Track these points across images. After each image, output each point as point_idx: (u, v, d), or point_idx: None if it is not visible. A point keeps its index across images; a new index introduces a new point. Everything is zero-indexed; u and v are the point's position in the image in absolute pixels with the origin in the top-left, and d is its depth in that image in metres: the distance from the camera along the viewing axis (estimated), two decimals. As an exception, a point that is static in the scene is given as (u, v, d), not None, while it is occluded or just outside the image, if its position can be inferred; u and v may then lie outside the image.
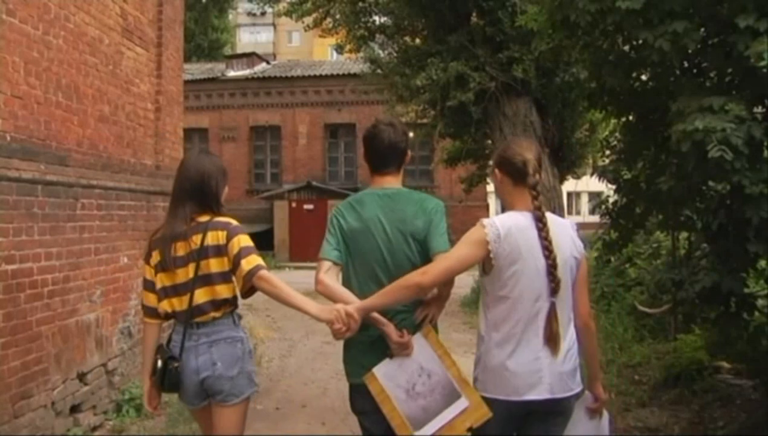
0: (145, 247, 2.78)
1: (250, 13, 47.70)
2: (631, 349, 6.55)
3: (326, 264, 2.47)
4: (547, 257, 2.24)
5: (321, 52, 41.94)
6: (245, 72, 23.69)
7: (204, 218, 2.63)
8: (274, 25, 49.08)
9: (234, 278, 2.60)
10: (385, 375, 2.38)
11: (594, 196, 25.85)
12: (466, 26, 11.01)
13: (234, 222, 2.64)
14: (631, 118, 5.17)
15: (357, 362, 2.49)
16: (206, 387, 2.62)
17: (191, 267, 2.57)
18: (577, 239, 2.41)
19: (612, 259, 7.64)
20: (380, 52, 12.85)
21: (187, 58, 17.23)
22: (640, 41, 4.15)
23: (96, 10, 5.01)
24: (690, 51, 3.98)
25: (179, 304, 2.61)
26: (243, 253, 2.53)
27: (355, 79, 18.11)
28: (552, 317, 2.24)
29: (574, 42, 4.92)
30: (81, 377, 4.58)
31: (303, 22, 13.35)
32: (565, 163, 12.92)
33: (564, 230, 2.38)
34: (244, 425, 2.72)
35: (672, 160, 4.26)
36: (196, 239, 2.57)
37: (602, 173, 5.38)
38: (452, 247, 2.37)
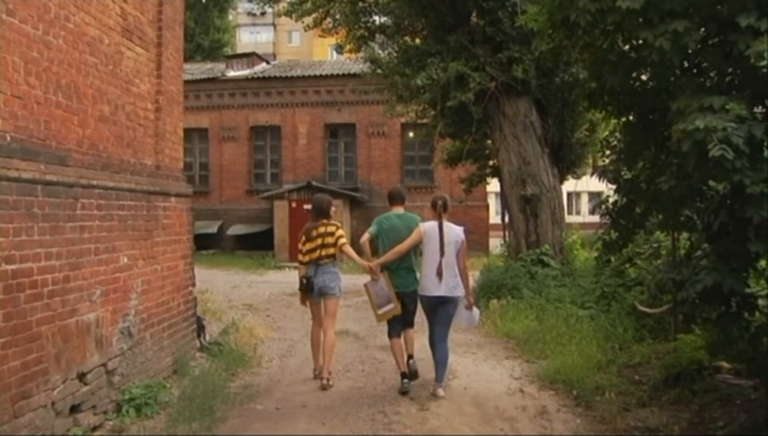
0: (300, 235, 6.21)
1: (250, 13, 47.71)
2: (631, 349, 6.54)
3: (366, 235, 5.90)
4: (440, 241, 5.53)
5: (321, 52, 41.95)
6: (245, 72, 23.66)
7: (324, 221, 6.07)
8: (274, 25, 49.10)
9: (335, 246, 6.03)
10: (370, 285, 5.82)
11: (594, 196, 25.83)
12: (466, 26, 11.01)
13: (339, 224, 6.25)
14: (631, 118, 5.17)
15: (396, 282, 5.81)
16: (321, 291, 6.01)
17: (320, 239, 6.00)
18: (461, 233, 5.65)
19: (612, 259, 7.63)
20: (380, 52, 12.80)
21: (187, 58, 17.19)
22: (641, 41, 4.15)
23: (96, 10, 5.01)
24: (690, 50, 3.99)
25: (313, 255, 6.03)
26: (341, 239, 6.03)
27: (355, 79, 18.09)
28: (440, 265, 5.49)
29: (574, 42, 4.92)
30: (81, 377, 4.58)
31: (303, 22, 13.33)
32: (565, 163, 12.90)
33: (453, 229, 5.63)
34: (337, 310, 6.19)
35: (672, 159, 4.26)
36: (322, 229, 6.03)
37: (602, 173, 5.38)
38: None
